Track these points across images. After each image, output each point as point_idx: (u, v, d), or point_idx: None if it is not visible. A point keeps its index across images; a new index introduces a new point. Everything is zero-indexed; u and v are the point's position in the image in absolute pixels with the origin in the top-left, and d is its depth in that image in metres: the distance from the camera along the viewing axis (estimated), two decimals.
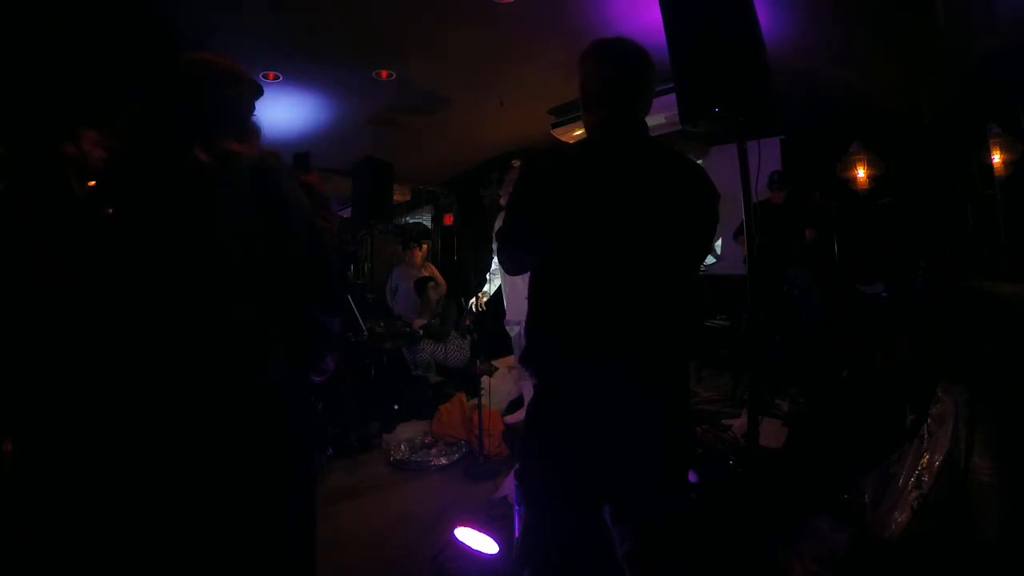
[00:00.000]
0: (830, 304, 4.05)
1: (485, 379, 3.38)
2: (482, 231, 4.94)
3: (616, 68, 1.28)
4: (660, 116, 3.57)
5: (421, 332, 4.36)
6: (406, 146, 5.14)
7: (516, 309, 3.40)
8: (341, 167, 4.98)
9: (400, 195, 6.93)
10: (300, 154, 1.85)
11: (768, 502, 1.98)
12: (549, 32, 3.23)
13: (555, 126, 4.37)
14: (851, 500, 2.08)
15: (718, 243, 4.82)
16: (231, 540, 1.22)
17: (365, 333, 3.62)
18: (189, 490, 1.19)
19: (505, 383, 3.95)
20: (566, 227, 1.20)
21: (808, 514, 1.99)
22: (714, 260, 4.87)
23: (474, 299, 3.26)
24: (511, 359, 3.96)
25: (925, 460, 1.81)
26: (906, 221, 4.00)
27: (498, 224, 2.14)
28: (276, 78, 3.71)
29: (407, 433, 3.54)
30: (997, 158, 3.60)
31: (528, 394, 3.36)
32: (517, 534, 1.53)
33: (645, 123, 1.31)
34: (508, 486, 2.46)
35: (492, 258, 3.40)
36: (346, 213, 5.38)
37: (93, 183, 1.50)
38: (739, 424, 2.73)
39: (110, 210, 1.32)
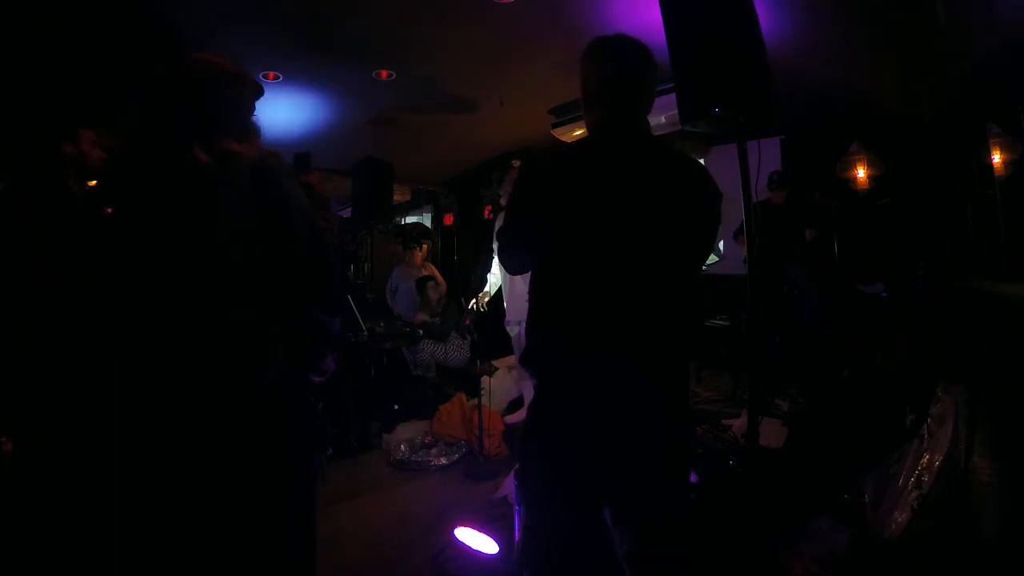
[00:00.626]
0: (830, 304, 4.05)
1: (485, 379, 3.38)
2: (482, 231, 4.95)
3: (616, 67, 1.27)
4: (660, 116, 3.58)
5: (421, 332, 4.36)
6: (406, 146, 5.14)
7: (516, 309, 3.40)
8: (341, 167, 4.98)
9: (400, 195, 6.93)
10: (301, 154, 1.84)
11: (768, 502, 1.98)
12: (549, 32, 3.22)
13: (555, 126, 4.37)
14: (851, 500, 2.08)
15: (719, 243, 4.82)
16: (231, 540, 1.22)
17: (365, 333, 3.62)
18: (189, 490, 1.19)
19: (505, 383, 3.95)
20: (566, 227, 1.20)
21: (808, 514, 1.99)
22: (716, 259, 4.87)
23: (475, 299, 3.26)
24: (511, 359, 3.96)
25: (925, 460, 1.81)
26: (906, 221, 4.00)
27: (498, 224, 2.14)
28: (276, 78, 3.71)
29: (407, 433, 3.54)
30: (997, 158, 3.60)
31: (528, 394, 3.36)
32: (517, 534, 1.53)
33: (647, 122, 1.30)
34: (508, 486, 2.46)
35: (492, 258, 3.41)
36: (346, 213, 5.38)
37: (93, 183, 1.50)
38: (739, 424, 2.73)
39: (110, 210, 1.32)
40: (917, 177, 3.98)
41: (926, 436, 1.88)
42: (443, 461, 3.20)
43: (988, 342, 1.61)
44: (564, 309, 1.21)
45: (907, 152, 4.06)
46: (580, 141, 1.43)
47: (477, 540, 1.99)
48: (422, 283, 4.66)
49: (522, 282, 3.00)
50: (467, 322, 4.24)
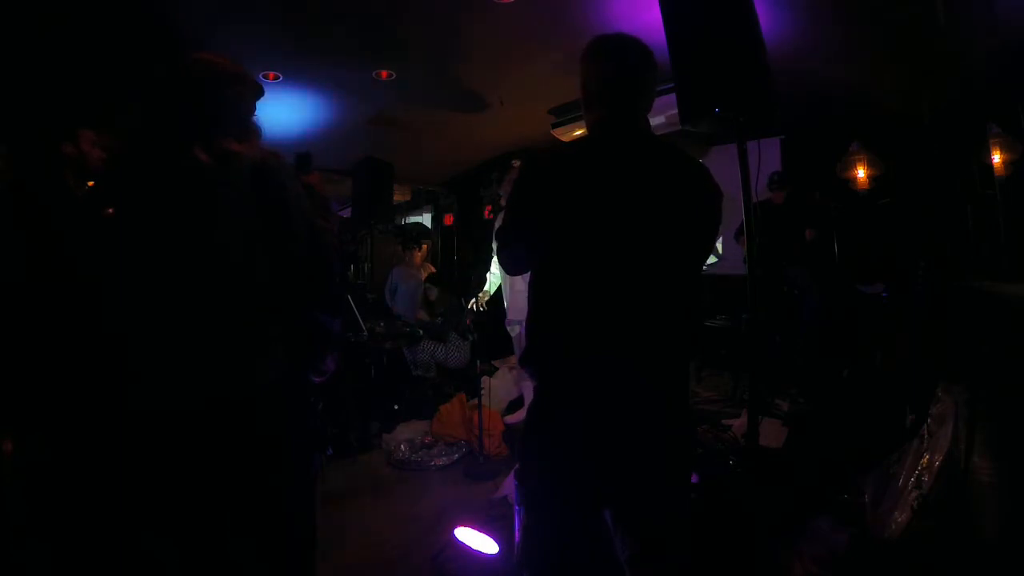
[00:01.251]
0: (830, 304, 4.05)
1: (485, 379, 3.38)
2: (482, 231, 4.95)
3: (616, 66, 1.27)
4: (660, 116, 3.58)
5: (421, 332, 4.36)
6: (406, 146, 5.15)
7: (517, 308, 3.40)
8: (341, 167, 4.98)
9: (400, 195, 6.93)
10: (302, 154, 1.85)
11: (768, 502, 1.98)
12: (549, 32, 3.23)
13: (555, 126, 4.37)
14: (851, 500, 2.08)
15: (719, 242, 4.81)
16: (231, 540, 1.22)
17: (365, 333, 3.62)
18: (189, 490, 1.19)
19: (505, 383, 3.95)
20: (566, 226, 1.20)
21: (808, 514, 1.99)
22: (716, 260, 4.86)
23: (474, 299, 3.26)
24: (511, 359, 3.96)
25: (925, 460, 1.81)
26: (906, 221, 4.00)
27: (498, 224, 2.14)
28: (276, 78, 3.72)
29: (407, 433, 3.54)
30: (997, 158, 3.60)
31: (528, 394, 3.36)
32: (517, 534, 1.53)
33: (647, 121, 1.30)
34: (508, 486, 2.46)
35: (493, 257, 3.41)
36: (346, 213, 5.38)
37: (92, 183, 1.50)
38: (739, 424, 2.73)
39: (110, 210, 1.32)
40: (917, 177, 3.99)
41: (926, 436, 1.88)
42: (443, 461, 3.20)
43: (988, 342, 1.61)
44: (564, 309, 1.21)
45: (907, 152, 4.07)
46: (580, 140, 1.42)
47: (477, 540, 1.99)
48: (433, 282, 4.68)
49: (522, 281, 3.00)
50: (467, 322, 4.25)
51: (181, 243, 1.18)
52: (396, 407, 3.94)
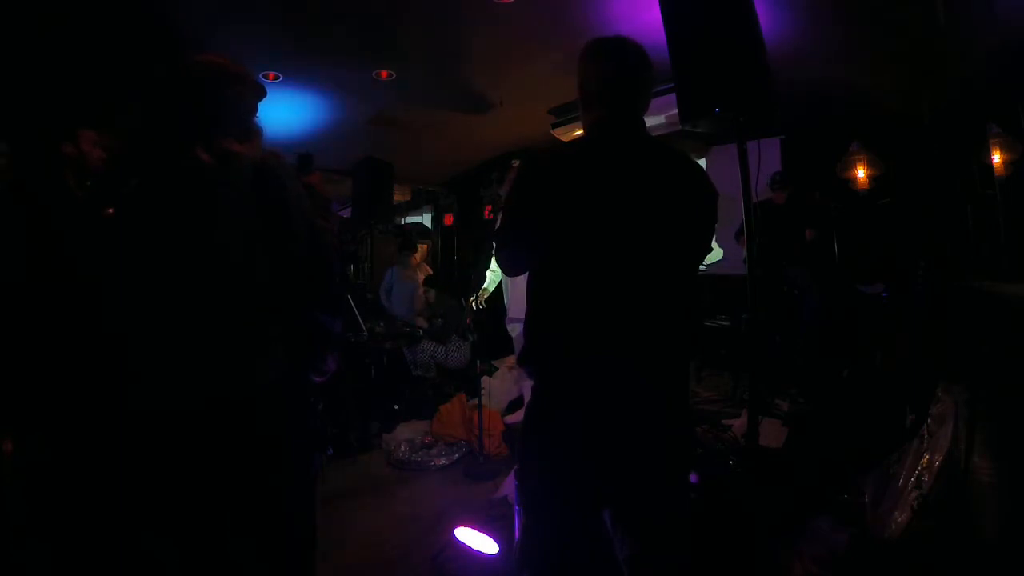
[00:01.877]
0: (830, 304, 4.05)
1: (485, 379, 3.38)
2: (483, 231, 4.95)
3: (615, 67, 1.27)
4: (660, 116, 3.58)
5: (421, 332, 4.36)
6: (406, 146, 5.15)
7: (519, 307, 3.39)
8: (341, 167, 4.98)
9: (400, 195, 6.94)
10: (303, 155, 1.85)
11: (768, 502, 1.98)
12: (549, 32, 3.23)
13: (555, 126, 4.37)
14: (851, 500, 2.08)
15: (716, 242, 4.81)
16: (231, 540, 1.22)
17: (365, 333, 3.62)
18: (189, 490, 1.19)
19: (505, 383, 3.95)
20: (564, 226, 1.20)
21: (808, 514, 1.99)
22: (719, 258, 4.86)
23: (474, 296, 3.25)
24: (511, 359, 3.96)
25: (925, 460, 1.81)
26: (906, 221, 4.00)
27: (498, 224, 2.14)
28: (276, 78, 3.72)
29: (407, 433, 3.54)
30: (997, 158, 3.60)
31: (528, 394, 3.35)
32: (517, 534, 1.53)
33: (644, 122, 1.31)
34: (508, 486, 2.46)
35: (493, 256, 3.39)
36: (346, 213, 5.38)
37: (92, 183, 1.50)
38: (739, 424, 2.73)
39: (110, 210, 1.32)
40: (917, 177, 3.99)
41: (926, 436, 1.88)
42: (443, 461, 3.20)
43: (988, 342, 1.61)
44: (563, 309, 1.21)
45: (907, 152, 4.07)
46: (578, 140, 1.42)
47: (477, 540, 1.99)
48: (430, 283, 4.68)
49: (524, 280, 2.99)
50: (467, 321, 4.25)
51: (181, 243, 1.18)
52: (396, 407, 3.94)
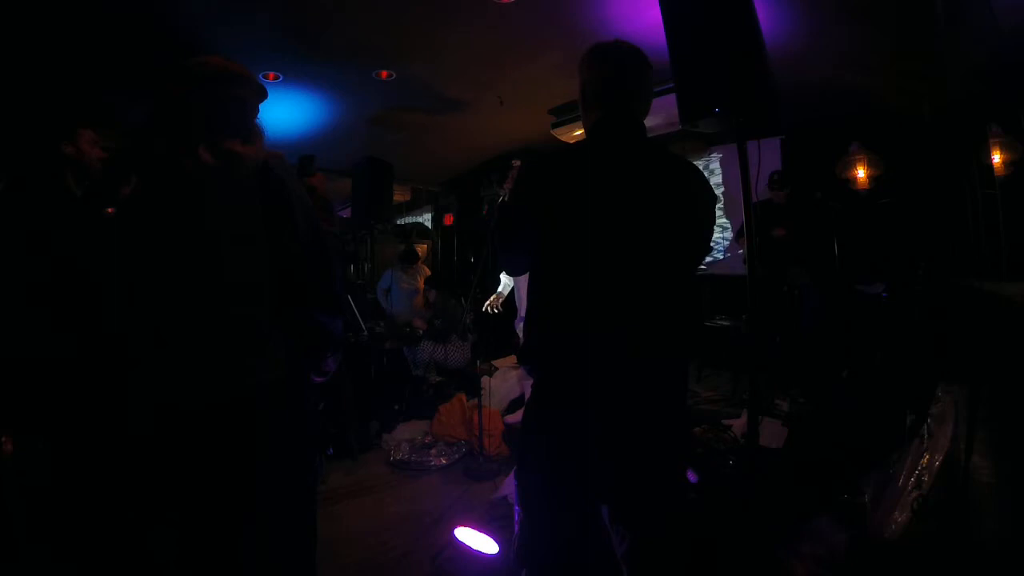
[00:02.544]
0: (830, 304, 4.05)
1: (485, 379, 3.38)
2: (482, 231, 4.95)
3: (614, 70, 1.30)
4: (660, 116, 3.57)
5: (422, 332, 4.36)
6: (406, 146, 5.15)
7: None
8: (341, 167, 4.98)
9: (400, 195, 6.93)
10: (305, 156, 1.85)
11: (768, 502, 1.98)
12: (549, 32, 3.23)
13: (555, 126, 4.36)
14: (851, 500, 2.07)
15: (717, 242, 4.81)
16: (231, 540, 1.22)
17: (365, 333, 3.62)
18: (189, 490, 1.19)
19: (505, 383, 3.95)
20: (563, 227, 1.21)
21: (808, 514, 1.99)
22: (721, 256, 4.86)
23: (490, 300, 3.22)
24: (511, 359, 3.96)
25: (925, 460, 1.81)
26: (906, 221, 4.00)
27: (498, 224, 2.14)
28: (276, 78, 3.72)
29: (407, 433, 3.54)
30: (997, 158, 3.60)
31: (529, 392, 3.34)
32: (516, 532, 1.53)
33: (643, 124, 1.32)
34: (508, 486, 2.46)
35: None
36: (346, 213, 5.38)
37: (92, 183, 1.50)
38: (739, 424, 2.73)
39: (110, 210, 1.32)
40: (917, 177, 3.99)
41: (926, 436, 1.88)
42: (443, 461, 3.20)
43: (988, 342, 1.61)
44: (562, 308, 1.22)
45: (907, 152, 4.06)
46: (578, 142, 1.44)
47: (477, 540, 1.99)
48: (431, 284, 4.68)
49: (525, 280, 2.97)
50: (468, 319, 4.24)
51: (182, 243, 1.19)
52: (396, 407, 3.94)
